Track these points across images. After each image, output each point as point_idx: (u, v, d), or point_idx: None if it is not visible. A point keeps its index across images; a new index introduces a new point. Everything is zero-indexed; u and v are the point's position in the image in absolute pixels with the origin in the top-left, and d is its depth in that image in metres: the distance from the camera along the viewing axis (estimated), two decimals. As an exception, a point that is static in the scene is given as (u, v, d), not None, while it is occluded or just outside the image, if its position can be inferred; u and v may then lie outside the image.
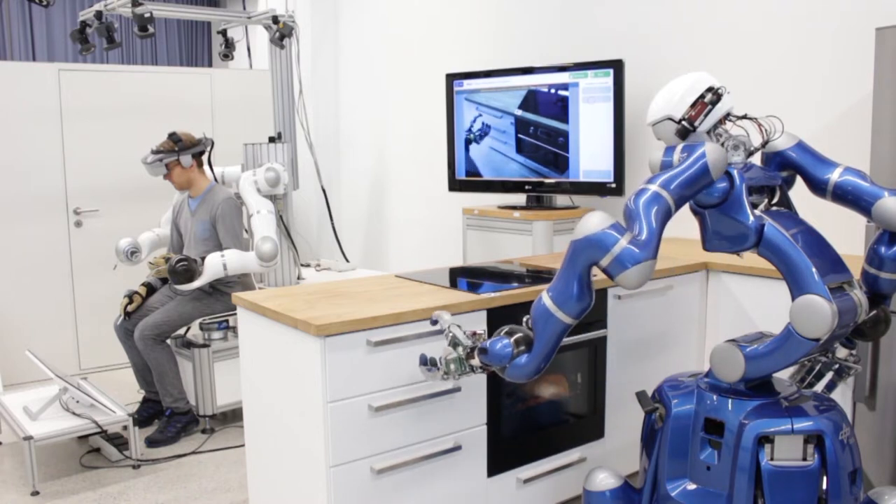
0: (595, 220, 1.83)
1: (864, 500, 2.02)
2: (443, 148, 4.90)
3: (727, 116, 2.08)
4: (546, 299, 1.92)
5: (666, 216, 1.85)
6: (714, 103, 2.03)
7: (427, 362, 2.15)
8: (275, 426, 2.44)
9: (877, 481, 2.61)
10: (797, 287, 1.87)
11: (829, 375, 2.21)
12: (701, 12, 3.54)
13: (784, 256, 1.90)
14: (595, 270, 1.93)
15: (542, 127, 3.80)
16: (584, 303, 1.90)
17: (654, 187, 1.87)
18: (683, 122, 2.04)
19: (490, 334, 2.07)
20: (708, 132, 2.07)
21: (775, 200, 2.10)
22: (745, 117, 2.09)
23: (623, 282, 1.80)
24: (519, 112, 3.87)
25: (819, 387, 2.24)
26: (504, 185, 3.97)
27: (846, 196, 2.04)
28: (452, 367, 2.07)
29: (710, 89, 2.04)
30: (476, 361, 2.05)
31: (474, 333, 2.10)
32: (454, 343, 2.08)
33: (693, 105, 2.04)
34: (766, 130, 2.06)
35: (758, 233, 1.93)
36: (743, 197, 1.95)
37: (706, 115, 2.04)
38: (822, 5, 3.12)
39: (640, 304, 2.89)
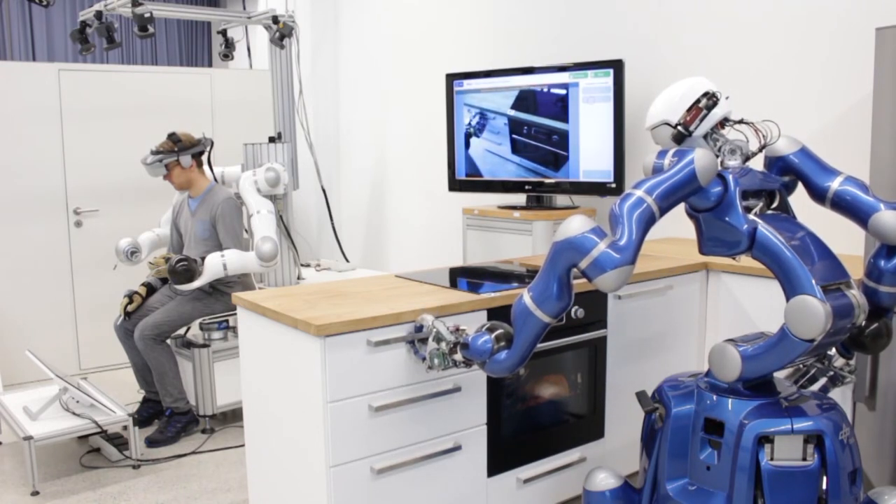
0: (576, 223, 1.87)
1: (864, 500, 2.03)
2: (443, 148, 4.91)
3: (724, 121, 2.09)
4: (526, 298, 1.96)
5: (649, 222, 1.88)
6: (710, 108, 2.05)
7: (415, 343, 2.27)
8: (275, 426, 2.44)
9: (877, 481, 2.61)
10: (791, 288, 1.88)
11: (822, 381, 2.21)
12: (701, 12, 3.54)
13: (776, 259, 1.90)
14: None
15: (537, 126, 3.80)
16: (563, 303, 1.94)
17: (639, 192, 1.90)
18: (679, 127, 2.06)
19: (487, 325, 2.13)
20: (704, 137, 2.08)
21: (775, 205, 2.10)
22: (741, 122, 2.09)
23: (600, 285, 1.84)
24: (512, 112, 3.87)
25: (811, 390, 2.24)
26: (504, 185, 3.97)
27: (844, 206, 2.04)
28: (436, 360, 2.17)
29: (706, 94, 2.06)
30: (458, 356, 2.13)
31: (457, 329, 2.17)
32: (438, 338, 2.16)
33: (689, 110, 2.06)
34: (762, 135, 2.07)
35: (750, 236, 1.94)
36: (736, 201, 1.96)
37: (701, 120, 2.05)
38: (822, 5, 3.12)
39: (640, 304, 2.89)
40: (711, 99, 2.05)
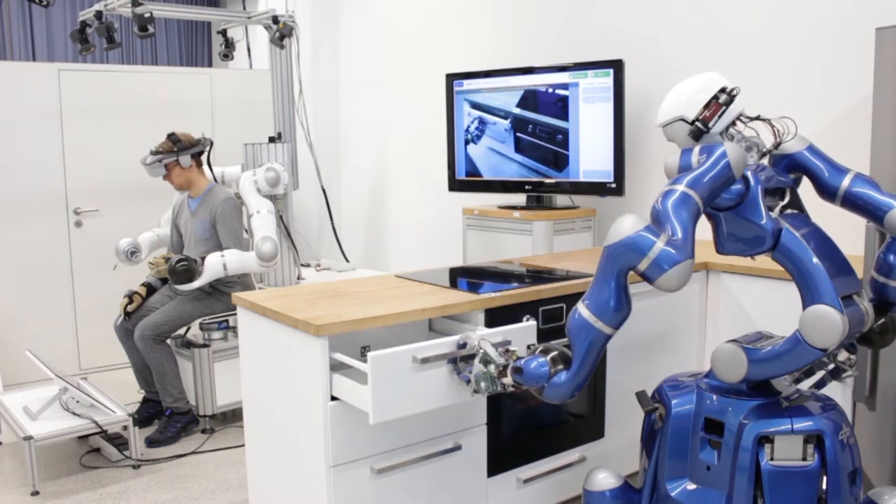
0: (628, 223, 1.79)
1: (863, 500, 2.02)
2: (443, 148, 4.90)
3: (739, 117, 2.06)
4: (583, 310, 1.85)
5: (696, 216, 1.81)
6: (728, 104, 1.99)
7: (457, 363, 2.09)
8: (275, 426, 2.44)
9: (877, 481, 2.61)
10: (810, 295, 1.84)
11: (819, 374, 2.20)
12: (701, 12, 3.54)
13: (800, 264, 1.87)
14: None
15: (541, 126, 3.80)
16: (623, 312, 1.84)
17: (681, 187, 1.82)
18: (697, 123, 2.00)
19: (540, 347, 2.00)
20: (721, 133, 2.04)
21: (785, 201, 2.08)
22: (757, 118, 2.06)
23: (662, 285, 1.75)
24: (517, 111, 3.87)
25: (807, 384, 2.24)
26: (504, 185, 3.97)
27: (858, 204, 2.01)
28: (483, 384, 2.01)
29: (723, 90, 2.00)
30: (508, 380, 1.98)
31: (507, 350, 2.04)
32: (485, 360, 2.01)
33: (707, 105, 2.00)
34: (778, 132, 2.03)
35: (775, 236, 1.90)
36: (759, 199, 1.91)
37: (720, 116, 1.99)
38: (822, 5, 3.12)
39: (640, 304, 2.89)
40: (729, 94, 1.99)
